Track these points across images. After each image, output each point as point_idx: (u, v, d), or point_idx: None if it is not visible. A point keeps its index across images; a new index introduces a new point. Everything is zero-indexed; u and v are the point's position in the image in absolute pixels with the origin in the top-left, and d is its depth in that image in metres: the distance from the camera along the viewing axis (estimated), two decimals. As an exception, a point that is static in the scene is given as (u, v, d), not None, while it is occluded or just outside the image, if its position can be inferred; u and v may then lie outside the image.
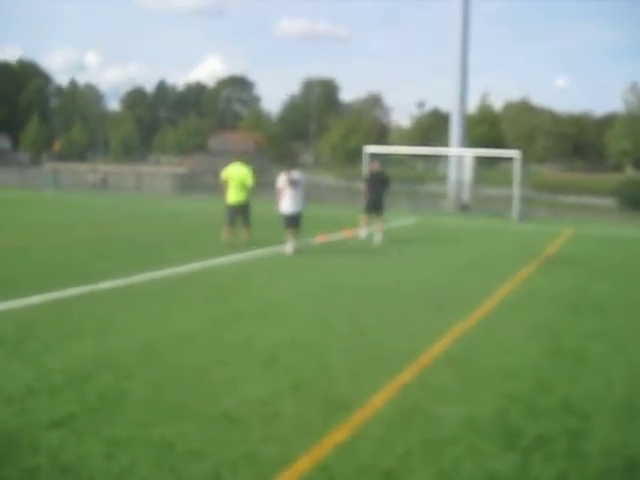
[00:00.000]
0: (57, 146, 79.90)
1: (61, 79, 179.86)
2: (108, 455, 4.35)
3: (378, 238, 17.31)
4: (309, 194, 36.28)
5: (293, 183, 14.79)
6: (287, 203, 14.76)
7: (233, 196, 15.63)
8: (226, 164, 16.50)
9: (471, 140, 57.98)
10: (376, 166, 18.50)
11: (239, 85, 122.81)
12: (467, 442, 4.71)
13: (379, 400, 5.46)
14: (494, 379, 6.13)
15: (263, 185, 16.01)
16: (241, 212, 15.69)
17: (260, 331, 7.59)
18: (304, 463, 4.31)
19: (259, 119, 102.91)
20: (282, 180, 14.85)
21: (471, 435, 4.84)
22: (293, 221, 14.74)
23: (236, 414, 5.08)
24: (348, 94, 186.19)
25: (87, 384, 5.64)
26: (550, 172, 70.40)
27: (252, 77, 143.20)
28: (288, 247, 14.52)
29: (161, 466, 4.23)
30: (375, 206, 17.77)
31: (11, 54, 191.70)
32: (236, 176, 15.60)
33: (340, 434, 4.75)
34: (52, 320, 7.80)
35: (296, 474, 4.18)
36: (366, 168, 31.12)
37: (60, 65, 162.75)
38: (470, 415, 5.20)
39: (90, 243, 15.41)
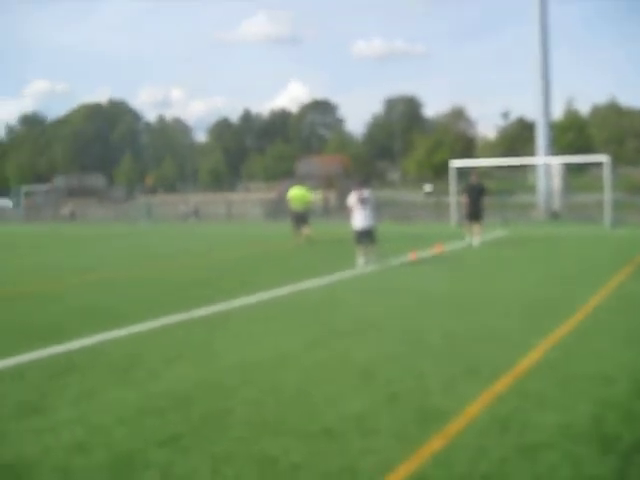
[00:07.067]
0: (149, 180, 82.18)
1: (149, 116, 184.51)
2: (214, 470, 4.56)
3: (477, 242, 19.61)
4: (395, 212, 36.43)
5: (363, 201, 15.52)
6: (358, 219, 15.58)
7: (296, 207, 22.06)
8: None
9: (559, 147, 57.02)
10: (475, 178, 20.63)
11: (322, 109, 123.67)
12: (564, 448, 4.72)
13: (474, 409, 5.53)
14: (590, 385, 6.10)
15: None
16: (302, 219, 22.00)
17: (356, 348, 7.75)
18: (401, 473, 4.42)
19: (344, 141, 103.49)
20: (353, 198, 15.68)
21: (568, 441, 4.84)
22: (365, 236, 15.48)
23: (335, 428, 5.23)
24: (431, 109, 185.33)
25: (191, 406, 5.90)
26: (643, 174, 68.40)
27: (334, 100, 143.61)
28: (360, 261, 15.32)
29: (264, 478, 4.43)
30: (475, 214, 19.84)
31: (101, 95, 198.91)
32: (297, 194, 22.16)
33: (436, 443, 4.84)
34: (153, 347, 8.15)
35: (395, 483, 4.30)
36: (453, 182, 31.32)
37: (148, 102, 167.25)
38: (567, 421, 5.21)
39: (186, 271, 15.89)
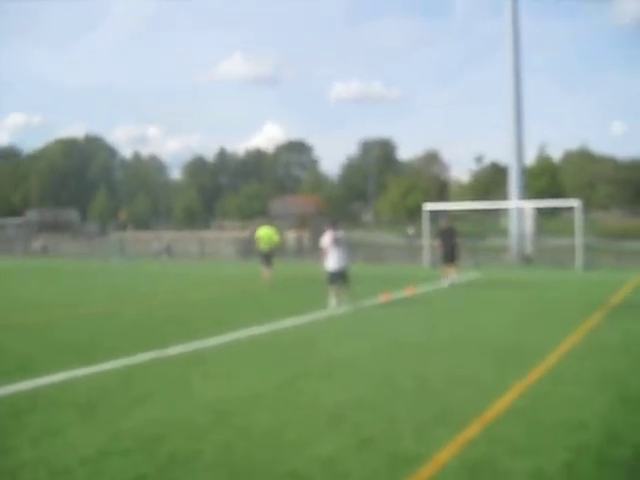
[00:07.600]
0: (122, 215, 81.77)
1: (125, 152, 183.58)
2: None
3: (448, 283, 20.35)
4: (369, 254, 36.49)
5: (337, 241, 15.58)
6: (333, 260, 15.58)
7: (263, 246, 22.65)
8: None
9: (532, 192, 57.55)
10: (445, 222, 21.47)
11: (297, 149, 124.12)
12: (535, 494, 4.69)
13: (445, 454, 5.46)
14: (562, 431, 6.06)
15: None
16: (268, 257, 22.56)
17: (327, 390, 7.67)
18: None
19: (318, 181, 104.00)
20: (327, 239, 15.68)
21: (539, 487, 4.81)
22: (339, 277, 15.55)
23: (304, 472, 5.14)
24: (405, 152, 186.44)
25: (158, 446, 5.78)
26: (614, 219, 69.27)
27: (310, 141, 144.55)
28: (332, 302, 15.32)
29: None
30: (450, 256, 20.60)
31: (78, 129, 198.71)
32: (265, 235, 22.79)
33: (407, 489, 4.78)
34: (123, 385, 8.01)
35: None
36: (426, 225, 31.55)
37: (124, 139, 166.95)
38: (537, 467, 5.16)
39: (161, 310, 15.74)
